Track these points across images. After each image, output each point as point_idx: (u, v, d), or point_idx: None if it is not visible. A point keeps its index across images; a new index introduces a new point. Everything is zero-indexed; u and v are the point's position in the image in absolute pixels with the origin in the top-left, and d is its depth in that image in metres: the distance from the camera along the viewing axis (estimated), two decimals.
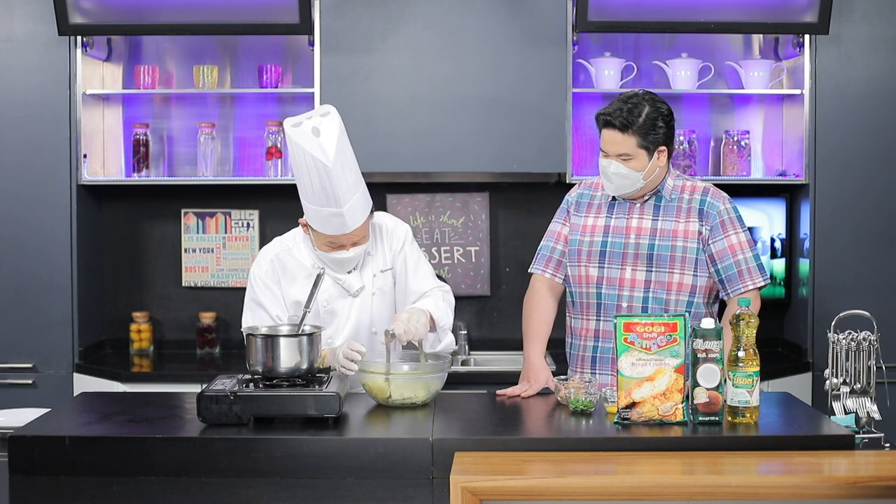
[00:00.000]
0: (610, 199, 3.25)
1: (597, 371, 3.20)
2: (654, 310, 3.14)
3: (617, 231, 3.20)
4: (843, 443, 2.55)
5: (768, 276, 3.22)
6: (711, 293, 3.22)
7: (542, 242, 3.35)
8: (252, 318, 3.13)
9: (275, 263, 3.16)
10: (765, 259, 4.50)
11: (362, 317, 3.16)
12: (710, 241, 3.15)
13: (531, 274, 3.36)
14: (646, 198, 3.21)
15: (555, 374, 3.25)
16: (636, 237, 3.18)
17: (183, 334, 4.65)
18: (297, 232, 3.21)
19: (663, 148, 3.14)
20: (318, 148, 2.91)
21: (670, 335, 2.63)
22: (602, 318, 3.20)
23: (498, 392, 3.08)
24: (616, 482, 2.33)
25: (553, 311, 3.32)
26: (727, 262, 3.14)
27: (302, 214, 3.11)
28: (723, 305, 3.24)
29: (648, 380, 2.62)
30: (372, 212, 3.11)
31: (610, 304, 3.18)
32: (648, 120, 3.11)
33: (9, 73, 4.28)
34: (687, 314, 2.70)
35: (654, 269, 3.16)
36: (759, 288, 3.17)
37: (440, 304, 3.13)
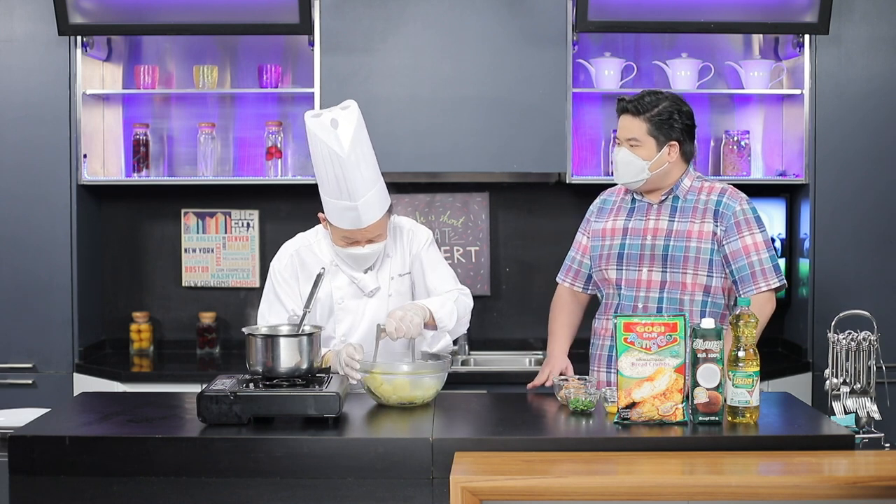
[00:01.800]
0: (630, 201, 3.28)
1: (612, 370, 3.21)
2: (668, 310, 3.14)
3: (634, 233, 3.23)
4: (843, 443, 2.55)
5: (784, 278, 3.20)
6: (731, 294, 3.21)
7: (569, 252, 3.45)
8: (268, 311, 3.19)
9: (294, 258, 3.20)
10: None
11: (378, 318, 3.16)
12: (724, 242, 3.16)
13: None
14: (662, 199, 3.22)
15: (576, 373, 3.27)
16: (652, 238, 3.20)
17: (183, 334, 4.65)
18: (319, 228, 3.25)
19: (675, 143, 3.17)
20: (335, 139, 2.95)
21: (670, 335, 2.63)
22: None
23: (528, 386, 3.23)
24: (616, 482, 2.33)
25: (576, 315, 3.41)
26: (741, 262, 3.14)
27: (307, 213, 3.13)
28: None
29: (648, 380, 2.62)
30: (390, 211, 3.13)
31: (627, 305, 3.21)
32: (665, 112, 3.16)
33: (9, 73, 4.28)
34: (686, 314, 2.70)
35: (668, 270, 3.17)
36: (775, 290, 3.16)
37: (448, 304, 3.13)
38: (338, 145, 2.95)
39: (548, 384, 3.22)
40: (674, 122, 3.16)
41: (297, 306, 3.14)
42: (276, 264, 3.22)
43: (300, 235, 3.28)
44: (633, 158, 3.16)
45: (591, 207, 3.40)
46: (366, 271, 3.18)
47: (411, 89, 4.26)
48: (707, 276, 3.16)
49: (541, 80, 4.24)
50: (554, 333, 3.38)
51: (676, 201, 3.22)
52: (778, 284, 3.16)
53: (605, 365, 3.25)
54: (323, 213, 3.12)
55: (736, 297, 3.22)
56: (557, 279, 3.45)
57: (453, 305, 3.14)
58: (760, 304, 3.10)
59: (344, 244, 3.11)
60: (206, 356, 4.53)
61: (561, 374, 3.23)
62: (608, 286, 3.27)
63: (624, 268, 3.22)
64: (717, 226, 3.16)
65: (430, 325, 3.09)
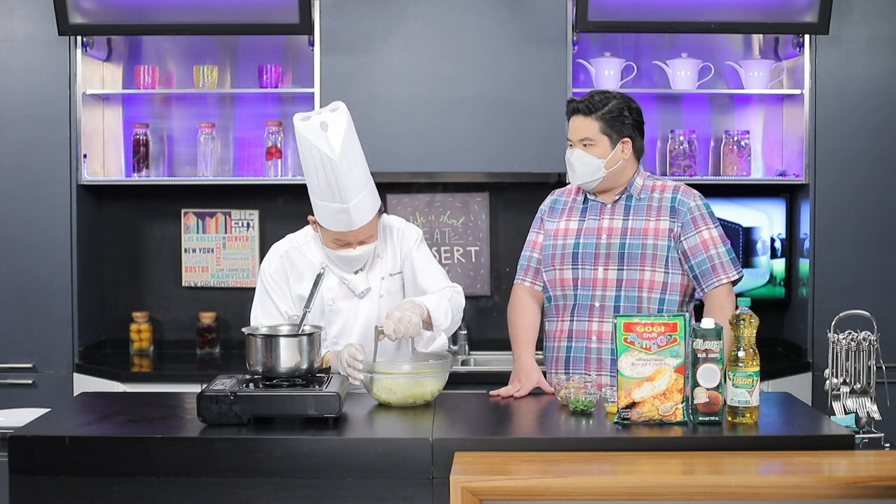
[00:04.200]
0: (582, 201, 3.28)
1: (570, 371, 3.20)
2: (626, 308, 3.15)
3: (588, 232, 3.23)
4: (843, 443, 2.55)
5: (742, 270, 3.23)
6: (686, 291, 3.22)
7: (522, 252, 3.39)
8: (261, 313, 3.17)
9: (284, 260, 3.18)
10: (764, 259, 4.51)
11: (370, 319, 3.15)
12: (682, 238, 3.17)
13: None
14: (616, 198, 3.23)
15: (544, 374, 3.24)
16: (607, 237, 3.20)
17: (183, 334, 4.65)
18: (308, 229, 3.23)
19: (627, 140, 3.19)
20: (325, 142, 2.93)
21: (670, 335, 2.63)
22: (575, 318, 3.21)
23: (491, 392, 3.08)
24: (616, 482, 2.33)
25: (537, 316, 3.34)
26: (700, 257, 3.16)
27: (306, 213, 3.12)
28: (699, 307, 3.24)
29: (648, 380, 2.62)
30: (380, 211, 3.12)
31: (583, 305, 3.20)
32: (615, 109, 3.18)
33: (9, 73, 4.29)
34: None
35: (625, 268, 3.17)
36: (734, 282, 3.19)
37: (442, 303, 3.12)
38: (329, 149, 2.93)
39: (517, 395, 3.08)
40: (624, 118, 3.18)
41: (289, 308, 3.13)
42: (266, 267, 3.20)
43: (289, 237, 3.25)
44: (589, 158, 3.16)
45: (543, 206, 3.38)
46: (356, 272, 3.17)
47: (411, 89, 4.27)
48: (664, 272, 3.17)
49: (541, 80, 4.24)
50: (518, 339, 3.27)
51: (630, 200, 3.23)
52: (736, 276, 3.18)
53: (564, 366, 3.21)
54: (313, 215, 3.11)
55: (691, 294, 3.24)
56: (516, 281, 3.38)
57: (448, 304, 3.13)
58: (723, 297, 3.14)
59: (335, 246, 3.10)
60: (206, 356, 4.53)
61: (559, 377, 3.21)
62: (562, 286, 3.23)
63: (580, 266, 3.20)
64: (673, 222, 3.17)
65: (427, 323, 3.08)
